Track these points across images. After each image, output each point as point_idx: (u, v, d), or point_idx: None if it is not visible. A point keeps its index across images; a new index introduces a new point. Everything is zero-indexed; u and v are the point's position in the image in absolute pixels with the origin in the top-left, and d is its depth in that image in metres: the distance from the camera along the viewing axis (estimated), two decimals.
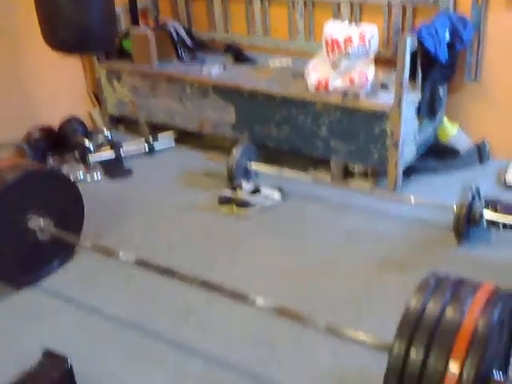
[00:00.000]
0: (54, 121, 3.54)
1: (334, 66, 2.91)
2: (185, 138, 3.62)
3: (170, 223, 2.74)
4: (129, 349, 1.95)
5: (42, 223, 2.27)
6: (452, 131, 3.14)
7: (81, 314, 2.14)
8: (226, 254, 2.47)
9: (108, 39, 2.93)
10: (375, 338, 1.54)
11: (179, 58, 3.63)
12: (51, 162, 3.32)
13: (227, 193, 2.78)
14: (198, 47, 3.74)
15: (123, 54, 3.68)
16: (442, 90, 3.02)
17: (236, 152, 2.95)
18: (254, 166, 3.03)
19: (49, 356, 0.98)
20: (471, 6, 2.94)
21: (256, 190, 2.79)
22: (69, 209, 2.42)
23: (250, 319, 2.04)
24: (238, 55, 3.59)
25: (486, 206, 2.40)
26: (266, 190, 2.81)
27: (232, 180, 2.92)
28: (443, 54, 2.81)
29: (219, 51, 3.72)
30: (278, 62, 3.44)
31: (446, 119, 3.17)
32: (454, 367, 1.24)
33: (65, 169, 3.25)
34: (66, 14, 2.69)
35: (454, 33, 2.85)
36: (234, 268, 2.37)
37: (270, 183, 2.92)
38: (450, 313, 1.34)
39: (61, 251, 2.42)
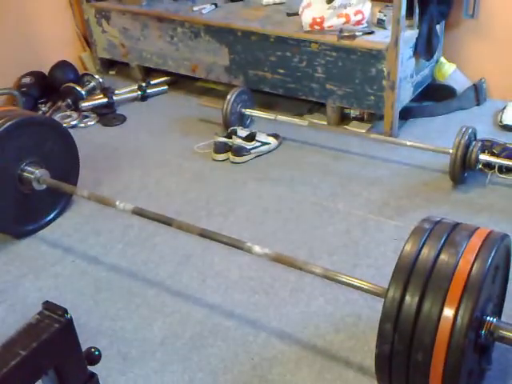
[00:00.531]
0: (45, 66, 3.46)
1: (329, 2, 2.82)
2: (178, 82, 3.55)
3: (167, 170, 2.73)
4: (128, 297, 1.99)
5: (37, 173, 2.25)
6: (449, 70, 3.09)
7: (80, 263, 2.17)
8: (223, 200, 2.48)
9: None
10: (370, 284, 1.57)
11: None
12: (43, 109, 3.27)
13: (222, 139, 2.76)
14: None
15: None
16: (439, 28, 2.95)
17: (230, 97, 2.90)
18: (249, 112, 2.99)
19: (48, 308, 0.99)
20: None
21: (252, 136, 2.77)
22: (64, 157, 2.39)
23: (248, 266, 2.08)
24: None
25: (482, 149, 2.39)
26: (261, 136, 2.79)
27: (227, 126, 2.90)
28: None
29: None
30: (271, 0, 3.33)
31: (442, 58, 3.11)
32: (448, 311, 1.27)
33: (58, 116, 3.21)
34: None
35: None
36: (231, 215, 2.39)
37: (265, 129, 2.89)
38: (444, 257, 1.36)
39: (58, 201, 2.42)
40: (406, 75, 2.81)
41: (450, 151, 2.38)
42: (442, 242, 1.39)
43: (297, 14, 2.97)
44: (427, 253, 1.37)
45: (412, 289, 1.33)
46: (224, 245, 1.88)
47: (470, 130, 2.39)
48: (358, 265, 2.05)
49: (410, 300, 1.32)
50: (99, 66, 3.78)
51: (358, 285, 1.60)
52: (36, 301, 1.97)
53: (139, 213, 2.06)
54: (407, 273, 1.35)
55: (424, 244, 1.39)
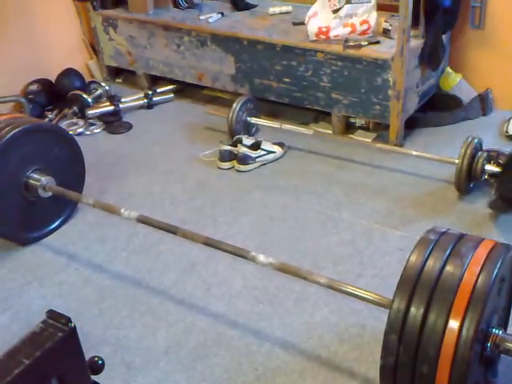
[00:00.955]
0: (52, 73, 3.48)
1: (335, 12, 2.83)
2: (184, 90, 3.56)
3: (172, 178, 2.74)
4: (132, 306, 1.99)
5: (43, 180, 2.26)
6: (455, 80, 3.08)
7: (85, 271, 2.17)
8: (228, 209, 2.48)
9: None
10: (375, 295, 1.56)
11: (176, 4, 3.54)
12: (50, 116, 3.29)
13: (228, 148, 2.76)
14: None
15: (119, 1, 3.59)
16: (445, 38, 2.95)
17: (236, 106, 2.91)
18: (255, 120, 3.00)
19: (52, 316, 0.99)
20: None
21: (257, 145, 2.77)
22: (69, 165, 2.40)
23: (252, 275, 2.08)
24: (236, 1, 3.49)
25: (488, 159, 2.38)
26: (266, 145, 2.79)
27: (232, 134, 2.90)
28: None
29: None
30: (277, 9, 3.34)
31: (449, 68, 3.11)
32: (453, 323, 1.26)
33: (64, 123, 3.22)
34: None
35: None
36: (236, 223, 2.38)
37: (270, 137, 2.89)
38: (450, 269, 1.35)
39: (63, 208, 2.43)
40: (411, 85, 2.81)
41: (456, 161, 2.37)
42: (448, 253, 1.38)
43: (303, 23, 2.98)
44: (432, 264, 1.37)
45: (417, 300, 1.32)
46: (228, 253, 1.88)
47: (475, 141, 2.39)
48: (362, 275, 2.05)
49: (415, 311, 1.31)
50: (106, 73, 3.80)
51: (363, 295, 1.59)
52: (40, 308, 1.97)
53: (144, 221, 2.06)
54: (412, 284, 1.35)
55: (429, 255, 1.39)
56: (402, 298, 1.34)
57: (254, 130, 3.06)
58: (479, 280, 1.30)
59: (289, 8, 3.34)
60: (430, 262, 1.37)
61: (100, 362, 1.06)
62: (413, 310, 1.32)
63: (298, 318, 1.89)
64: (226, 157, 2.77)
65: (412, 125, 2.97)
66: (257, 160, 2.77)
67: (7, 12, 3.27)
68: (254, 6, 3.45)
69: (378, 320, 1.80)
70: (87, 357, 1.04)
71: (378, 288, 1.84)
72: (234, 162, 2.76)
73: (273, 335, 1.83)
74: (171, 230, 2.00)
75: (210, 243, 1.92)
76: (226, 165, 2.78)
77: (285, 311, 1.92)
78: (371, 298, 1.58)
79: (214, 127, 3.11)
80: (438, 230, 1.48)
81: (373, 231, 2.27)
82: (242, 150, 2.74)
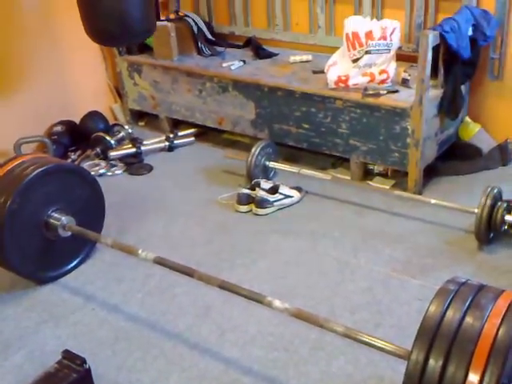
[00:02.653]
0: (76, 115, 3.57)
1: (355, 61, 2.88)
2: (205, 134, 3.62)
3: (190, 220, 2.76)
4: (146, 348, 1.97)
5: (63, 220, 2.29)
6: (474, 130, 3.09)
7: (100, 311, 2.17)
8: (245, 252, 2.48)
9: (148, 30, 2.91)
10: (393, 345, 1.53)
11: (199, 52, 3.64)
12: (73, 157, 3.36)
13: (246, 191, 2.78)
14: (218, 41, 3.74)
15: (144, 48, 3.70)
16: (464, 88, 2.98)
17: (255, 150, 2.95)
18: (273, 165, 3.03)
19: (67, 357, 0.99)
20: (495, 0, 2.89)
21: (275, 189, 2.79)
22: (90, 205, 2.44)
23: (268, 321, 2.05)
24: (258, 50, 3.58)
25: (508, 210, 2.36)
26: (284, 189, 2.81)
27: (251, 178, 2.93)
28: (466, 51, 2.77)
29: (239, 45, 3.71)
30: (298, 58, 3.42)
31: (467, 118, 3.13)
32: (473, 377, 1.23)
33: (86, 164, 3.29)
34: (108, 3, 2.67)
35: (477, 28, 2.80)
36: (253, 267, 2.38)
37: (288, 182, 2.91)
38: (470, 320, 1.32)
39: (82, 248, 2.45)
40: (430, 134, 2.83)
41: (476, 211, 2.35)
42: (467, 304, 1.36)
43: (322, 71, 3.03)
44: (452, 315, 1.34)
45: (436, 352, 1.29)
46: (244, 298, 1.87)
47: (495, 190, 2.37)
48: (380, 324, 2.01)
49: (434, 363, 1.28)
50: (129, 116, 3.89)
51: (381, 345, 1.56)
52: (55, 348, 1.95)
53: (161, 262, 2.07)
54: (431, 335, 1.32)
55: (449, 306, 1.36)
56: (420, 349, 1.31)
57: (272, 174, 3.08)
58: (500, 332, 1.27)
59: (309, 57, 3.41)
60: (449, 313, 1.35)
61: None
62: (431, 361, 1.29)
63: (313, 366, 1.85)
64: (244, 200, 2.79)
65: (431, 173, 2.97)
66: (274, 204, 2.78)
67: (36, 55, 3.40)
68: (275, 55, 3.53)
69: (396, 371, 1.76)
70: None
71: (396, 338, 1.80)
72: (252, 206, 2.78)
73: None
74: (187, 272, 2.00)
75: (225, 287, 1.91)
76: (244, 208, 2.79)
77: (300, 359, 1.89)
78: (389, 348, 1.54)
79: (232, 171, 3.15)
80: (457, 281, 1.46)
81: (391, 279, 2.25)
82: (260, 193, 2.76)
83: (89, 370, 0.98)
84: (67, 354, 1.00)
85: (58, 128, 3.47)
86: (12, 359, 1.93)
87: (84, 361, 0.98)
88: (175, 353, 1.94)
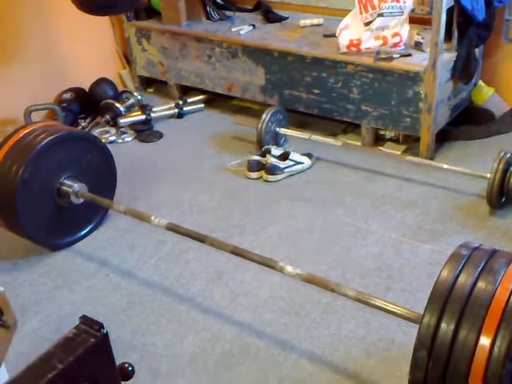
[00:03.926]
0: (85, 82, 3.56)
1: (367, 24, 2.83)
2: (214, 100, 3.60)
3: (201, 187, 2.76)
4: (160, 313, 2.01)
5: (75, 187, 2.30)
6: (487, 94, 3.04)
7: (114, 277, 2.20)
8: (256, 218, 2.49)
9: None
10: (405, 309, 1.55)
11: (208, 16, 3.58)
12: (83, 124, 3.35)
13: (256, 158, 2.77)
14: (227, 5, 3.68)
15: (152, 13, 3.66)
16: (477, 51, 2.92)
17: (265, 116, 2.92)
18: (284, 131, 3.01)
19: (85, 322, 1.01)
20: None
21: (285, 155, 2.78)
22: (101, 172, 2.45)
23: (279, 286, 2.07)
24: (267, 14, 3.52)
25: None
26: (295, 155, 2.80)
27: (261, 145, 2.91)
28: (480, 13, 2.70)
29: (249, 9, 3.65)
30: (308, 21, 3.35)
31: (481, 82, 3.07)
32: (484, 340, 1.24)
33: (96, 131, 3.29)
34: None
35: None
36: (263, 233, 2.39)
37: (299, 148, 2.90)
38: (482, 285, 1.33)
39: (94, 215, 2.47)
40: (443, 98, 2.79)
41: (488, 176, 2.34)
42: (480, 269, 1.36)
43: (334, 35, 2.98)
44: (464, 280, 1.35)
45: (448, 316, 1.30)
46: (256, 263, 1.89)
47: (508, 155, 2.35)
48: (391, 288, 2.02)
49: (446, 327, 1.29)
50: (138, 83, 3.87)
51: (392, 310, 1.57)
52: (69, 313, 2.00)
53: (173, 229, 2.08)
54: (443, 299, 1.33)
55: (461, 270, 1.37)
56: (432, 313, 1.32)
57: (282, 140, 3.07)
58: None
59: (320, 20, 3.35)
60: (461, 278, 1.35)
61: (130, 368, 1.08)
62: (443, 325, 1.30)
63: (324, 330, 1.88)
64: (255, 167, 2.79)
65: (443, 138, 2.94)
66: (285, 170, 2.77)
67: (46, 23, 3.36)
68: (285, 19, 3.47)
69: (406, 335, 1.78)
70: (117, 363, 1.06)
71: (407, 302, 1.83)
72: (262, 172, 2.77)
73: (299, 347, 1.83)
74: (200, 238, 2.02)
75: (237, 252, 1.93)
76: (254, 175, 2.79)
77: (311, 323, 1.91)
78: (400, 312, 1.56)
79: (242, 137, 3.14)
80: (470, 246, 1.46)
81: (402, 244, 2.25)
82: (271, 160, 2.75)
83: (107, 335, 0.99)
84: (85, 319, 1.01)
85: (68, 95, 3.46)
86: (28, 324, 1.98)
87: (102, 326, 0.99)
88: (188, 317, 1.98)
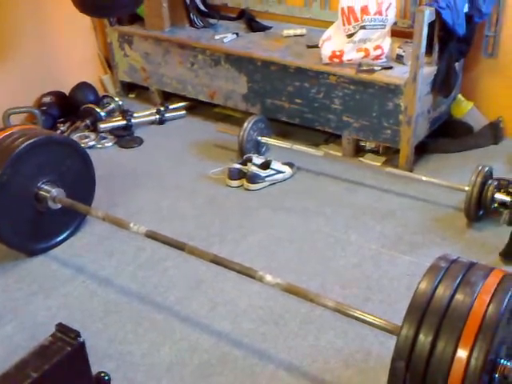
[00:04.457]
0: (66, 86, 3.52)
1: (350, 36, 2.86)
2: (196, 107, 3.59)
3: (181, 194, 2.75)
4: (137, 321, 1.98)
5: (53, 192, 2.27)
6: (466, 108, 3.09)
7: (91, 284, 2.17)
8: (236, 227, 2.48)
9: (135, 2, 2.86)
10: (383, 320, 1.55)
11: (192, 23, 3.58)
12: (62, 128, 3.31)
13: (237, 166, 2.77)
14: (211, 13, 3.68)
15: (135, 18, 3.64)
16: (458, 65, 2.97)
17: (247, 125, 2.93)
18: (265, 140, 3.01)
19: (61, 329, 0.99)
20: None
21: (266, 164, 2.78)
22: (80, 177, 2.42)
23: (258, 295, 2.07)
24: (251, 23, 3.53)
25: (498, 188, 2.37)
26: (276, 165, 2.80)
27: (243, 153, 2.91)
28: (461, 28, 2.75)
29: (232, 18, 3.66)
30: (292, 31, 3.37)
31: (460, 95, 3.12)
32: (462, 352, 1.25)
33: (75, 136, 3.25)
34: None
35: (473, 5, 2.77)
36: (243, 242, 2.38)
37: (280, 157, 2.90)
38: (460, 297, 1.34)
39: (72, 220, 2.43)
40: (423, 111, 2.82)
41: (466, 189, 2.37)
42: (458, 281, 1.38)
43: (317, 46, 3.00)
44: (442, 291, 1.36)
45: (426, 327, 1.31)
46: (236, 272, 1.88)
47: (486, 169, 2.39)
48: (369, 299, 2.03)
49: (424, 339, 1.30)
50: (119, 88, 3.84)
51: (371, 321, 1.58)
52: (45, 320, 1.97)
53: (152, 236, 2.06)
54: (422, 311, 1.34)
55: (439, 282, 1.38)
56: (410, 325, 1.33)
57: (264, 149, 3.07)
58: (489, 309, 1.29)
59: (303, 31, 3.37)
60: (439, 290, 1.37)
61: (106, 377, 1.06)
62: (421, 337, 1.30)
63: (302, 340, 1.88)
64: (235, 175, 2.78)
65: (422, 150, 2.97)
66: (266, 179, 2.77)
67: (25, 25, 3.33)
68: (268, 28, 3.49)
69: (384, 346, 1.79)
70: (93, 372, 1.04)
71: (385, 313, 1.83)
72: (243, 181, 2.77)
73: (277, 357, 1.82)
74: (179, 246, 2.00)
75: (217, 261, 1.92)
76: (235, 183, 2.79)
77: (290, 333, 1.90)
78: (379, 323, 1.56)
79: (224, 145, 3.13)
80: (448, 258, 1.47)
81: (381, 255, 2.26)
82: (252, 168, 2.75)
83: (83, 344, 0.97)
84: (61, 327, 1.00)
85: (48, 99, 3.42)
86: (3, 330, 1.94)
87: (78, 334, 0.98)
88: (166, 325, 1.96)
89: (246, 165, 2.78)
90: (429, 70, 2.79)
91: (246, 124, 2.94)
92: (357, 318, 1.61)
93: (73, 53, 3.64)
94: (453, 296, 1.34)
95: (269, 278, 1.77)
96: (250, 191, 2.75)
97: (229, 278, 2.11)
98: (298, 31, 3.37)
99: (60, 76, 3.56)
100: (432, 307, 1.34)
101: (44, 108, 3.36)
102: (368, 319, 1.59)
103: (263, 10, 3.61)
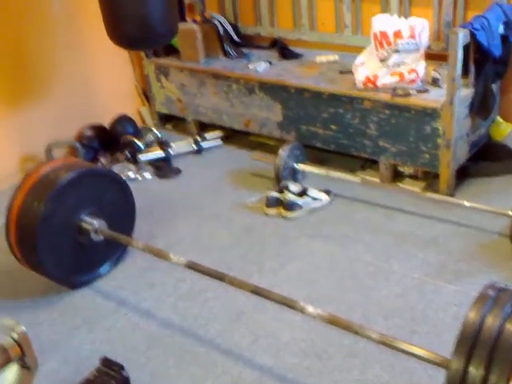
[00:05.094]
0: (105, 118, 3.61)
1: (383, 61, 2.85)
2: (231, 136, 3.62)
3: (219, 223, 2.76)
4: (179, 354, 1.98)
5: (95, 224, 2.30)
6: (506, 130, 3.03)
7: (133, 316, 2.18)
8: (274, 255, 2.47)
9: (170, 33, 2.92)
10: (431, 353, 1.51)
11: (225, 53, 3.64)
12: (102, 161, 3.39)
13: (274, 194, 2.77)
14: (244, 42, 3.74)
15: (171, 50, 3.72)
16: (495, 87, 2.92)
17: (283, 152, 2.93)
18: (301, 167, 3.01)
19: (105, 363, 0.99)
20: None
21: (303, 192, 2.78)
22: (121, 209, 2.46)
23: (300, 327, 2.04)
24: (283, 51, 3.56)
25: None
26: (313, 192, 2.79)
27: (279, 181, 2.91)
28: (497, 49, 2.71)
29: (265, 46, 3.70)
30: (324, 58, 3.39)
31: (499, 118, 3.06)
32: None
33: (116, 168, 3.31)
34: (129, 7, 2.69)
35: (508, 26, 2.74)
36: (282, 271, 2.37)
37: (317, 184, 2.89)
38: (510, 327, 1.30)
39: (114, 252, 2.46)
40: (461, 134, 2.78)
41: (510, 213, 2.31)
42: (507, 310, 1.34)
43: (350, 71, 3.01)
44: (492, 321, 1.32)
45: (477, 360, 1.28)
46: (276, 303, 1.86)
47: None
48: (415, 331, 1.98)
49: (475, 372, 1.26)
50: (157, 119, 3.91)
51: (418, 353, 1.54)
52: (89, 354, 1.98)
53: (192, 267, 2.07)
54: (471, 342, 1.30)
55: (488, 312, 1.34)
56: (460, 358, 1.29)
57: (300, 176, 3.06)
58: None
59: (335, 57, 3.38)
60: (489, 320, 1.33)
61: None
62: (472, 370, 1.27)
63: (348, 374, 1.83)
64: (273, 203, 2.78)
65: (462, 174, 2.92)
66: (303, 207, 2.76)
67: (64, 58, 3.44)
68: (301, 55, 3.51)
69: (433, 379, 1.74)
70: None
71: (432, 345, 1.77)
72: (281, 209, 2.77)
73: None
74: (219, 276, 2.00)
75: (258, 292, 1.91)
76: (273, 211, 2.78)
77: (334, 367, 1.87)
78: (426, 356, 1.52)
79: (259, 173, 3.14)
80: (496, 286, 1.43)
81: (425, 284, 2.21)
82: (289, 196, 2.74)
83: (127, 378, 0.98)
84: (105, 361, 1.00)
85: (88, 132, 3.50)
86: (47, 364, 1.95)
87: (122, 367, 0.98)
88: (208, 359, 1.95)
89: (282, 192, 2.78)
90: (466, 93, 2.76)
91: (281, 151, 2.94)
92: (403, 351, 1.57)
93: (111, 85, 3.74)
94: (503, 326, 1.31)
95: (310, 309, 1.75)
96: (287, 219, 2.74)
97: (269, 309, 2.09)
98: (331, 57, 3.39)
99: (99, 109, 3.66)
100: (482, 338, 1.30)
101: (85, 141, 3.44)
102: (415, 352, 1.55)
103: (295, 38, 3.64)
